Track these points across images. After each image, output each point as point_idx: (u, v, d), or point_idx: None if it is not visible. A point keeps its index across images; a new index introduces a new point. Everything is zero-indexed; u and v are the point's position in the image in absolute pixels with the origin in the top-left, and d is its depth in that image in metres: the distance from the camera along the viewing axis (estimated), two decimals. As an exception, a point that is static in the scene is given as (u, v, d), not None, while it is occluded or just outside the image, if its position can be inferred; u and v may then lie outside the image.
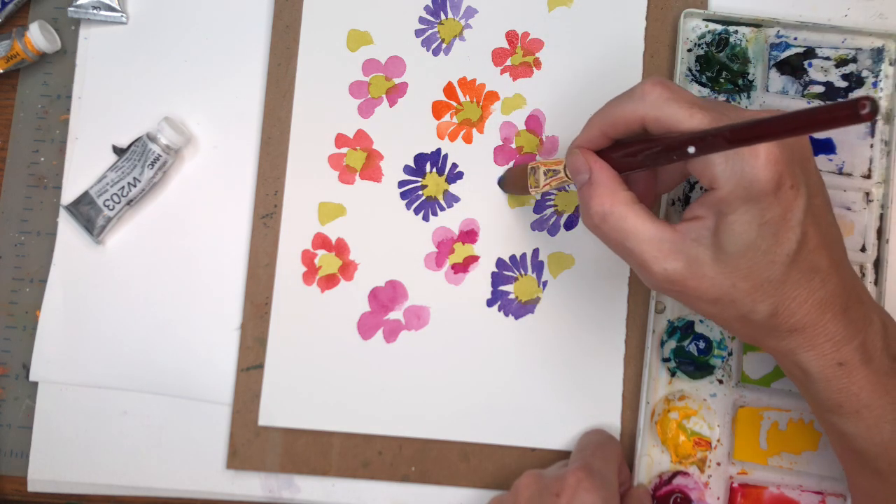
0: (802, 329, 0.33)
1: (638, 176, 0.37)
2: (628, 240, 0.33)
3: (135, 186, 0.44)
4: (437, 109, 0.46)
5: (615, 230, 0.33)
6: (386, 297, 0.45)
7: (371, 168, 0.45)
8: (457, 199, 0.45)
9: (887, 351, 0.34)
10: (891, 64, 0.45)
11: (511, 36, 0.46)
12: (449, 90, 0.46)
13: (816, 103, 0.45)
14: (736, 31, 0.45)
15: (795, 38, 0.45)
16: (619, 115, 0.34)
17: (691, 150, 0.30)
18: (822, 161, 0.45)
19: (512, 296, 0.45)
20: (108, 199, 0.44)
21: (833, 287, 0.33)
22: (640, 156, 0.34)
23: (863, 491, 0.37)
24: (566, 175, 0.37)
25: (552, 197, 0.45)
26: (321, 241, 0.45)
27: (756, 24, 0.45)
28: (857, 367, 0.33)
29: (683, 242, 0.32)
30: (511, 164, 0.45)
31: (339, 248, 0.45)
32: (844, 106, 0.24)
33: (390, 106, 0.46)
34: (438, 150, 0.45)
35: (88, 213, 0.44)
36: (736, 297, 0.32)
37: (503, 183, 0.45)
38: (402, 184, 0.45)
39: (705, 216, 0.32)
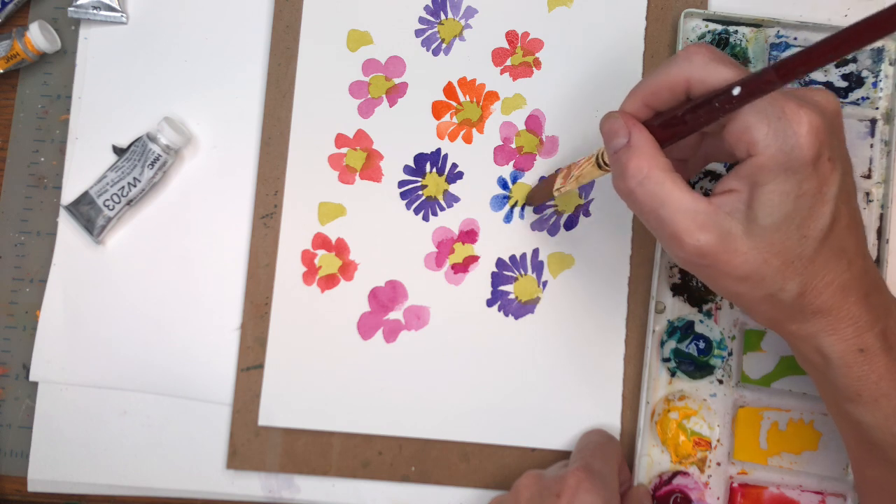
0: (827, 312, 0.33)
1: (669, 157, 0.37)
2: (664, 207, 0.32)
3: (135, 186, 0.44)
4: (437, 109, 0.46)
5: (651, 196, 0.32)
6: (386, 297, 0.45)
7: (371, 168, 0.45)
8: (457, 199, 0.45)
9: None
10: (891, 64, 0.45)
11: (511, 36, 0.46)
12: (449, 90, 0.46)
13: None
14: (736, 31, 0.45)
15: (795, 38, 0.45)
16: (664, 79, 0.33)
17: (736, 90, 0.29)
18: (822, 161, 0.45)
19: (512, 296, 0.45)
20: (108, 199, 0.44)
21: (857, 271, 0.33)
22: (682, 112, 0.32)
23: (873, 484, 0.36)
24: (598, 162, 0.36)
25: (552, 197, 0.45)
26: (321, 241, 0.45)
27: (756, 24, 0.45)
28: (878, 354, 0.33)
29: (718, 215, 0.31)
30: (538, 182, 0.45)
31: (339, 248, 0.45)
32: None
33: (390, 106, 0.46)
34: (438, 150, 0.45)
35: (88, 213, 0.44)
36: (766, 273, 0.32)
37: (530, 198, 0.45)
38: (402, 184, 0.45)
39: (740, 189, 0.31)
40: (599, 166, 0.36)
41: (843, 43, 0.26)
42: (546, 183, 0.42)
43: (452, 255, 0.45)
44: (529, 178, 0.45)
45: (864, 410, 0.34)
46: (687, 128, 0.32)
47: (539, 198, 0.44)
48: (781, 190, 0.30)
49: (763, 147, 0.30)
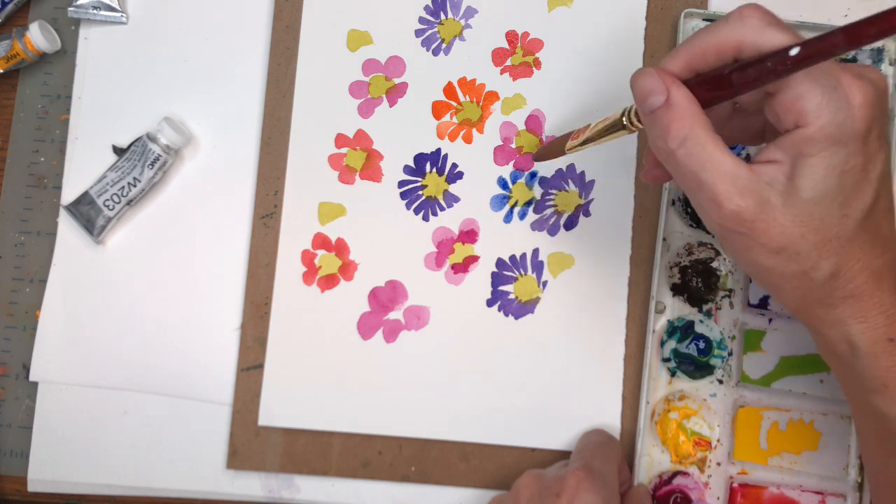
0: (858, 297, 0.32)
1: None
2: (704, 170, 0.30)
3: (135, 186, 0.44)
4: (437, 109, 0.46)
5: (692, 157, 0.31)
6: (386, 297, 0.45)
7: (371, 168, 0.45)
8: (457, 199, 0.45)
9: None
10: (891, 64, 0.45)
11: (511, 36, 0.46)
12: (449, 90, 0.46)
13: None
14: (736, 31, 0.45)
15: (795, 38, 0.45)
16: (713, 40, 0.31)
17: (794, 51, 0.28)
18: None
19: (512, 296, 0.45)
20: (108, 199, 0.44)
21: (891, 257, 0.32)
22: (729, 71, 0.30)
23: (893, 479, 0.35)
24: (625, 121, 0.34)
25: (552, 197, 0.45)
26: (321, 241, 0.45)
27: (756, 24, 0.45)
28: None
29: (758, 182, 0.30)
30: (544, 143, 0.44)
31: (339, 248, 0.45)
32: None
33: (390, 106, 0.46)
34: (438, 150, 0.45)
35: (88, 213, 0.44)
36: (802, 248, 0.31)
37: (539, 155, 0.44)
38: (402, 184, 0.45)
39: (782, 160, 0.30)
40: (625, 126, 0.35)
41: None
42: (558, 140, 0.41)
43: (452, 255, 0.45)
44: (529, 179, 0.45)
45: (890, 402, 0.33)
46: (732, 90, 0.31)
47: (549, 154, 0.42)
48: (828, 164, 0.29)
49: (814, 117, 0.29)
